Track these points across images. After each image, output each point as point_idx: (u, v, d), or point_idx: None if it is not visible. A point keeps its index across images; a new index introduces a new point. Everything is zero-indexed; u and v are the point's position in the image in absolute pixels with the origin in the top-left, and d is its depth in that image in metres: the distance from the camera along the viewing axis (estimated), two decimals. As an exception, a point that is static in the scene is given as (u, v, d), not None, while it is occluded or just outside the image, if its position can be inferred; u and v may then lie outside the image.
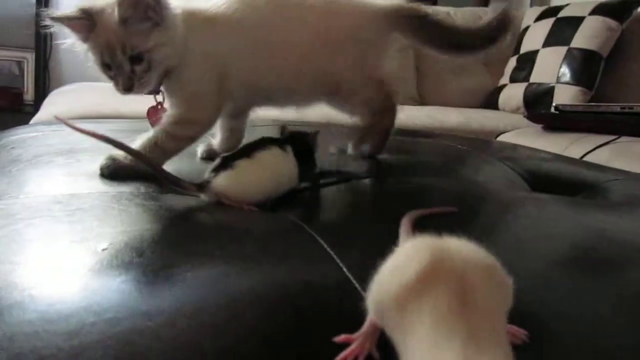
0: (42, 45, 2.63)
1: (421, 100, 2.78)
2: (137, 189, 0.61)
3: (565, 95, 2.36)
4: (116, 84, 0.65)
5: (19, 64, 2.67)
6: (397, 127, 1.54)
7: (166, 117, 0.69)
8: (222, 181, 0.57)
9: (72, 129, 0.53)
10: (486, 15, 2.88)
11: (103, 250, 0.41)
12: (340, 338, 0.32)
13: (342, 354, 0.31)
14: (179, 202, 0.58)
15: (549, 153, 1.10)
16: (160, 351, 0.31)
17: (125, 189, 0.60)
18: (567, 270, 0.47)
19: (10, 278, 0.37)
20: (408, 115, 2.06)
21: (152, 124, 0.73)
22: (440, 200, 0.66)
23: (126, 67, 0.64)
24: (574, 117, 1.76)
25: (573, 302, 0.41)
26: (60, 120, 0.53)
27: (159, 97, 0.74)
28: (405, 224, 0.47)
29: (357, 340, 0.32)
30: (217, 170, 0.58)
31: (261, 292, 0.37)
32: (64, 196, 0.56)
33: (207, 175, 0.58)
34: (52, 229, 0.47)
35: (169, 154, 0.67)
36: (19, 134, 0.90)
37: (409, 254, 0.30)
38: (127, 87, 0.65)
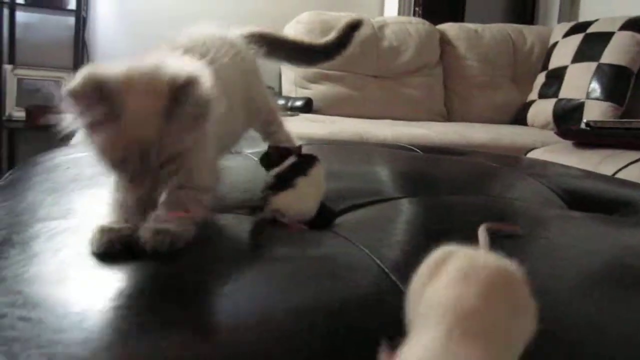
0: (80, 65, 2.72)
1: (448, 116, 2.80)
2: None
3: (596, 111, 2.36)
4: (129, 180, 0.50)
5: (58, 83, 2.77)
6: (425, 145, 1.55)
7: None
8: (282, 199, 0.58)
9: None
10: (513, 31, 2.90)
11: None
12: None
13: None
14: (232, 220, 0.61)
15: (581, 170, 1.11)
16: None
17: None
18: (604, 287, 0.49)
19: (95, 292, 0.41)
20: (436, 132, 2.08)
21: None
22: (475, 218, 0.68)
23: (156, 168, 0.49)
24: (605, 133, 1.76)
25: (609, 319, 0.43)
26: None
27: None
28: (482, 233, 0.49)
29: None
30: (274, 188, 0.59)
31: (320, 307, 0.40)
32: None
33: (263, 193, 0.60)
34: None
35: None
36: (71, 154, 0.95)
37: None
38: (146, 187, 0.50)
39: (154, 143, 0.48)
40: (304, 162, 0.64)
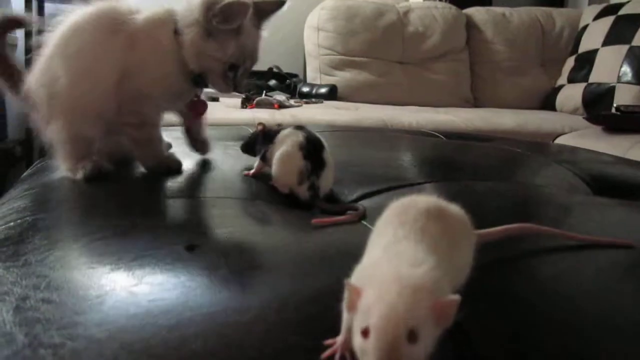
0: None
1: (475, 102, 2.76)
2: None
3: (627, 96, 2.30)
4: (230, 84, 0.71)
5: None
6: (453, 131, 1.53)
7: None
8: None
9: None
10: (542, 14, 2.83)
11: (190, 250, 0.45)
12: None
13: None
14: (269, 210, 0.61)
15: (610, 156, 1.08)
16: (251, 344, 0.34)
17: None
18: (631, 276, 0.48)
19: (112, 277, 0.42)
20: (461, 118, 2.05)
21: (194, 117, 0.78)
22: (502, 205, 0.68)
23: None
24: (636, 117, 1.71)
25: (633, 312, 0.42)
26: None
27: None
28: (513, 227, 0.48)
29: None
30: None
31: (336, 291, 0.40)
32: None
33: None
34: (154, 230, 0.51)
35: None
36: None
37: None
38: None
39: (254, 50, 0.71)
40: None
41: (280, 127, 0.70)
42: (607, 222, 0.61)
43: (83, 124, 0.71)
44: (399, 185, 0.69)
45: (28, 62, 0.76)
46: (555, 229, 0.51)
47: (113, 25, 0.70)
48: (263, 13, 0.72)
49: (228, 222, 0.56)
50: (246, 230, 0.54)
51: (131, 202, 0.62)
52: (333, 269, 0.44)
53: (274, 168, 0.67)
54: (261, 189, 0.68)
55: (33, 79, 0.72)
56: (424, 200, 0.38)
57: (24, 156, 2.50)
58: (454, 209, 0.39)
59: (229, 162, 0.80)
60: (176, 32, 0.69)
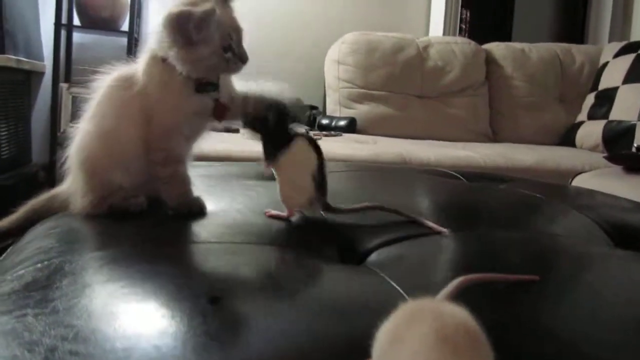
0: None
1: (494, 137, 2.76)
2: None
3: (647, 135, 2.29)
4: (236, 61, 0.74)
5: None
6: (472, 167, 1.52)
7: None
8: None
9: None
10: (562, 51, 2.84)
11: (213, 303, 0.46)
12: None
13: None
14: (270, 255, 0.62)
15: (630, 201, 1.07)
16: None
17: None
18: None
19: (138, 329, 0.43)
20: (480, 154, 2.05)
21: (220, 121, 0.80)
22: (516, 256, 0.68)
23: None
24: (657, 159, 1.70)
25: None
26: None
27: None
28: (454, 284, 0.47)
29: None
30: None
31: (352, 344, 0.40)
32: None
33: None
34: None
35: None
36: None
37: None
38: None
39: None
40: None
41: (291, 131, 0.74)
42: (627, 280, 0.60)
43: (114, 173, 0.75)
44: (418, 234, 0.70)
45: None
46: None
47: (126, 83, 0.75)
48: None
49: (249, 270, 0.57)
50: (267, 281, 0.55)
51: (155, 246, 0.64)
52: (350, 322, 0.45)
53: (284, 190, 0.73)
54: (282, 232, 0.70)
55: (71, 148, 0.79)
56: (442, 319, 0.32)
57: (47, 181, 2.54)
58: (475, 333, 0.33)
59: (249, 203, 0.82)
60: (164, 61, 0.73)
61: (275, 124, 0.73)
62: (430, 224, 0.72)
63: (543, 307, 0.51)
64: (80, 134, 0.77)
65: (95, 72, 0.77)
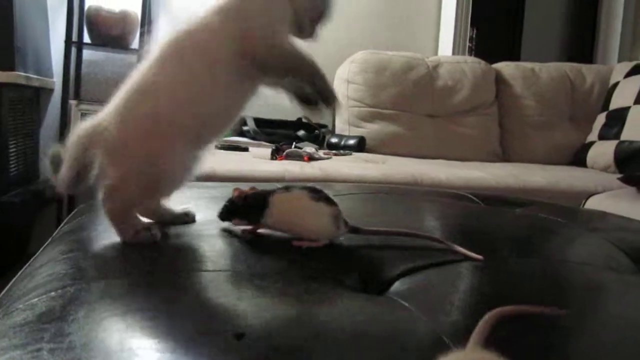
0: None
1: (504, 156, 2.74)
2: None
3: (661, 155, 2.27)
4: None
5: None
6: (484, 188, 1.51)
7: None
8: None
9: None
10: (572, 70, 2.83)
11: (239, 339, 0.44)
12: None
13: None
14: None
15: (646, 224, 1.05)
16: None
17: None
18: None
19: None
20: (492, 175, 2.03)
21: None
22: (534, 284, 0.66)
23: None
24: (672, 181, 1.68)
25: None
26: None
27: None
28: (483, 323, 0.47)
29: None
30: None
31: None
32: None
33: None
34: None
35: None
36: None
37: None
38: None
39: None
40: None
41: (256, 190, 0.74)
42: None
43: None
44: (441, 262, 0.68)
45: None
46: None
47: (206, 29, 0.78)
48: None
49: (271, 303, 0.55)
50: (288, 313, 0.54)
51: (173, 274, 0.62)
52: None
53: (306, 226, 0.71)
54: (302, 264, 0.68)
55: None
56: None
57: (54, 198, 2.53)
58: None
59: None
60: None
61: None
62: (465, 250, 0.71)
63: (573, 341, 0.49)
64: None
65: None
